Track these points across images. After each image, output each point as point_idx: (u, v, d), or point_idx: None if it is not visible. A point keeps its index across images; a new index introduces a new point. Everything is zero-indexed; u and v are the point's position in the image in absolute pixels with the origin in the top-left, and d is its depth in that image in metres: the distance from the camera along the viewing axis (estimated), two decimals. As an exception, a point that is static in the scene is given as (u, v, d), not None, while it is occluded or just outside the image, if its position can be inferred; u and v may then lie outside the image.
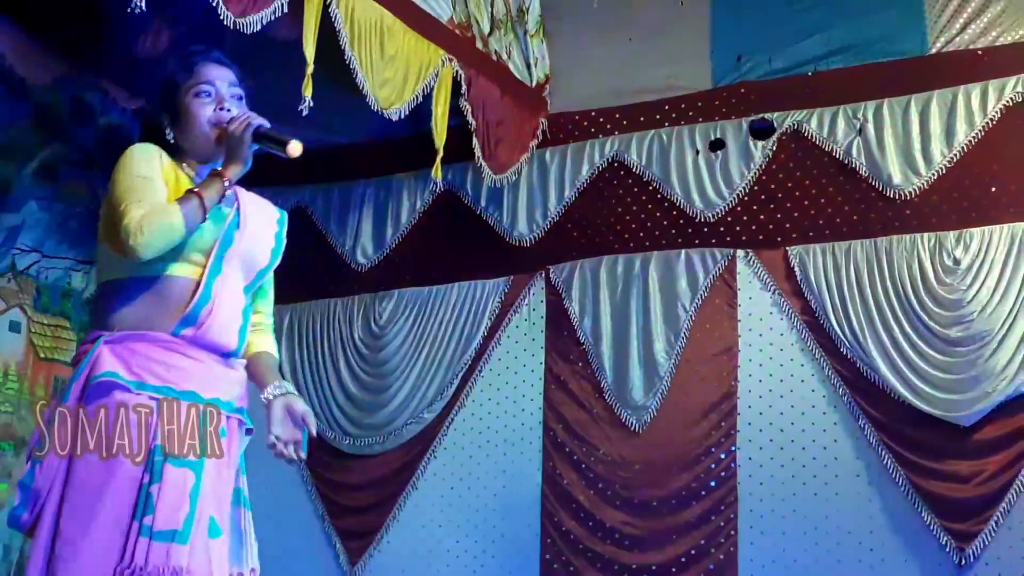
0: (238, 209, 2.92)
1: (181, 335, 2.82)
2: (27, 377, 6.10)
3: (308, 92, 4.42)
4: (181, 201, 2.73)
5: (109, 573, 2.65)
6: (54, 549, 2.73)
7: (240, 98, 2.94)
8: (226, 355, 2.91)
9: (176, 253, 2.80)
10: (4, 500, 6.00)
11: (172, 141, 2.91)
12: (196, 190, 2.75)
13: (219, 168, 2.83)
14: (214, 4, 4.18)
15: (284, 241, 3.12)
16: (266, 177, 5.83)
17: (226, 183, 2.78)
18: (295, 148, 2.90)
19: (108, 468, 2.74)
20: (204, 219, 2.76)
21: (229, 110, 2.87)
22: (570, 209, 6.04)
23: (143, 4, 3.88)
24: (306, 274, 6.48)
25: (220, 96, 2.91)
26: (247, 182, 2.93)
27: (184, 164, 2.90)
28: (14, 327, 6.07)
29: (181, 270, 2.83)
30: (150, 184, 2.78)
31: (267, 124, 2.83)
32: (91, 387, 2.77)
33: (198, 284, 2.83)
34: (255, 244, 2.95)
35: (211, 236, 2.82)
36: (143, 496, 2.71)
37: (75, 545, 2.72)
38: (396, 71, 4.99)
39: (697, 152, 5.85)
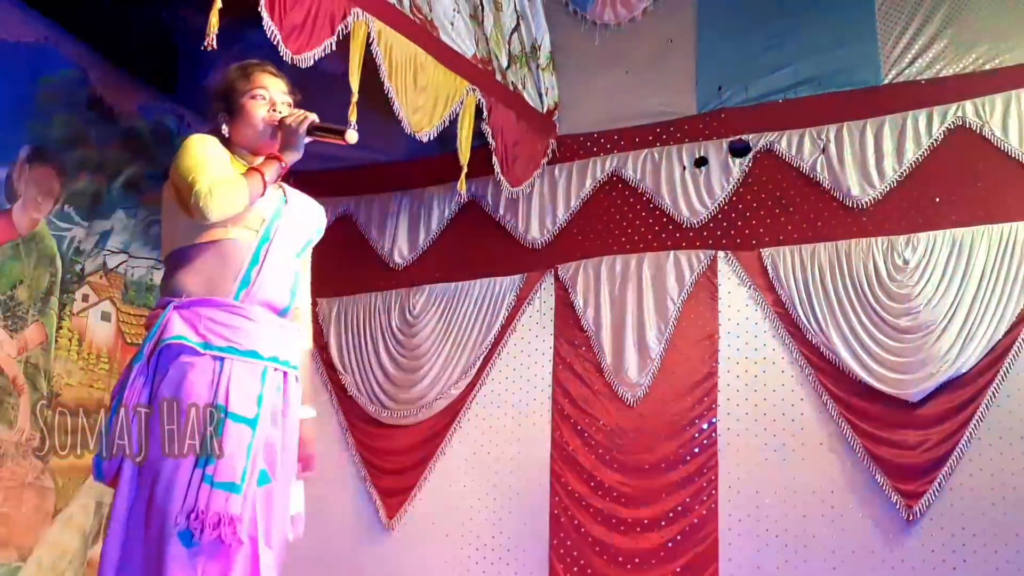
0: (285, 192, 3.07)
1: (240, 298, 2.88)
2: (116, 359, 6.08)
3: (353, 117, 4.42)
4: (246, 175, 2.86)
5: (180, 517, 2.67)
6: (132, 475, 2.77)
7: (290, 105, 3.06)
8: (280, 313, 2.96)
9: (235, 220, 2.88)
10: None
11: (227, 136, 3.02)
12: (258, 168, 2.88)
13: (276, 153, 2.94)
14: (275, 43, 4.20)
15: (324, 220, 3.26)
16: (317, 189, 5.79)
17: (282, 165, 2.90)
18: (352, 135, 3.03)
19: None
20: (263, 194, 2.86)
21: (280, 112, 3.00)
22: (575, 217, 6.06)
23: (214, 43, 3.86)
24: (351, 272, 6.64)
25: (273, 100, 3.03)
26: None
27: (234, 156, 3.00)
28: (105, 317, 6.07)
29: (238, 234, 2.89)
30: (216, 160, 2.89)
31: (318, 119, 2.97)
32: (161, 348, 2.81)
33: (253, 250, 2.93)
34: (300, 217, 3.06)
35: (263, 208, 2.92)
36: (205, 445, 2.76)
37: (152, 493, 2.73)
38: (427, 99, 5.02)
39: (684, 168, 5.85)
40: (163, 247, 3.04)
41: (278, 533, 2.87)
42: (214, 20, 3.85)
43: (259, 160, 2.98)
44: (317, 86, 5.01)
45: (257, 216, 2.89)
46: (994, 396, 4.95)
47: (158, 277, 6.28)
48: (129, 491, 2.75)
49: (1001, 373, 4.95)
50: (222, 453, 2.73)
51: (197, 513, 2.66)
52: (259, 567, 2.74)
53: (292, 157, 2.94)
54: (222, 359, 2.81)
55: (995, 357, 4.98)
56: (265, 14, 4.07)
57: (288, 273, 3.00)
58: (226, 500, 2.70)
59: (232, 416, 2.77)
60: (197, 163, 2.87)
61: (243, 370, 2.82)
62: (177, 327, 2.82)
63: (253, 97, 3.03)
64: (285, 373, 2.90)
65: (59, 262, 5.77)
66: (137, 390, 2.80)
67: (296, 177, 6.78)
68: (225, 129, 3.06)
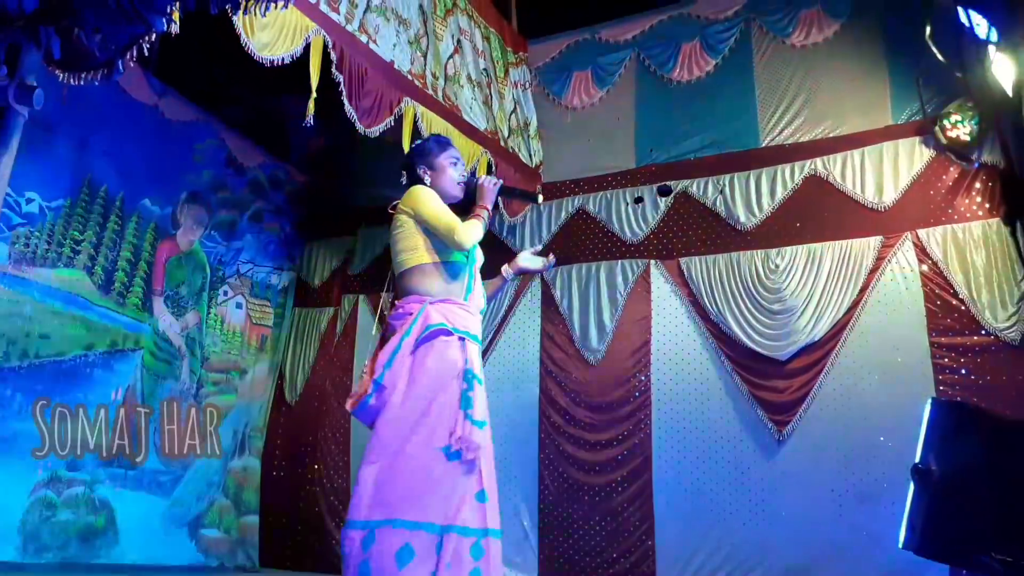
0: None
1: (467, 300, 3.02)
2: (246, 334, 6.35)
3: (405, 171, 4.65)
4: (477, 218, 2.99)
5: (444, 439, 2.75)
6: (411, 413, 2.79)
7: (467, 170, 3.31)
8: (480, 310, 3.12)
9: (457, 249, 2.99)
10: (232, 405, 6.19)
11: (427, 184, 3.09)
12: (479, 215, 3.00)
13: (481, 205, 3.03)
14: (352, 121, 4.37)
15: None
16: (376, 219, 6.12)
17: (487, 214, 3.03)
18: (540, 198, 3.42)
19: (441, 379, 2.83)
20: (483, 234, 3.01)
21: (464, 173, 3.15)
22: (554, 237, 6.09)
23: (311, 121, 3.96)
24: None
25: (461, 164, 3.20)
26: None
27: None
28: (239, 306, 6.32)
29: (458, 258, 3.00)
30: (447, 208, 3.02)
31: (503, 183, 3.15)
32: (428, 332, 2.86)
33: (466, 267, 3.04)
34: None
35: None
36: (464, 396, 2.83)
37: (417, 422, 2.76)
38: None
39: (627, 204, 5.95)
40: (402, 261, 3.00)
41: (487, 459, 2.89)
42: (311, 107, 3.93)
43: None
44: (379, 151, 5.32)
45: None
46: (836, 356, 5.06)
47: (275, 279, 6.54)
48: (396, 422, 2.76)
49: (841, 341, 5.07)
50: (476, 401, 2.84)
51: (462, 438, 2.75)
52: (483, 478, 2.83)
53: (490, 207, 3.03)
54: (463, 339, 2.90)
55: (837, 330, 5.10)
56: (346, 102, 4.22)
57: (479, 282, 3.14)
58: (477, 432, 2.81)
59: (476, 377, 2.89)
60: (443, 211, 2.98)
61: (473, 347, 2.94)
62: (435, 317, 2.88)
63: (451, 161, 3.14)
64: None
65: (208, 269, 6.06)
66: (405, 356, 2.83)
67: (364, 209, 6.75)
68: (428, 179, 3.09)
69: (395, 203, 3.12)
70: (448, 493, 2.72)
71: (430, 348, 2.86)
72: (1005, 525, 1.46)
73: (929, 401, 1.63)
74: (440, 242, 2.97)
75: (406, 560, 2.60)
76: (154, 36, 2.09)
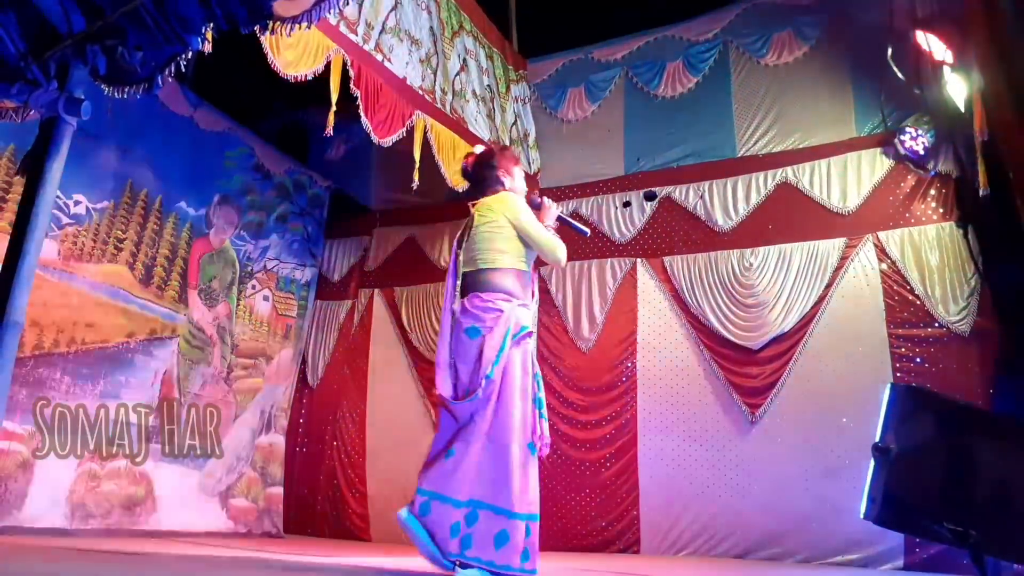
0: None
1: (532, 303, 2.99)
2: (272, 324, 6.34)
3: (416, 177, 4.63)
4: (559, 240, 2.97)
5: (528, 436, 2.70)
6: (513, 410, 2.70)
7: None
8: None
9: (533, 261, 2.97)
10: (260, 387, 6.18)
11: (506, 186, 3.01)
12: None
13: (547, 225, 2.97)
14: (368, 133, 4.38)
15: None
16: (400, 218, 6.12)
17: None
18: (587, 231, 3.25)
19: (525, 379, 2.78)
20: None
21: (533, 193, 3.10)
22: None
23: (331, 131, 3.97)
24: (412, 273, 6.48)
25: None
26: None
27: None
28: (265, 298, 6.31)
29: (529, 267, 2.96)
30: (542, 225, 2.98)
31: (561, 213, 3.09)
32: (523, 332, 2.81)
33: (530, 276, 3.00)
34: None
35: None
36: (537, 399, 2.80)
37: (514, 417, 2.69)
38: (459, 165, 4.99)
39: (617, 207, 5.96)
40: (493, 259, 2.86)
41: None
42: (331, 118, 3.95)
43: None
44: (392, 160, 5.32)
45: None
46: (803, 347, 5.08)
47: (299, 274, 6.51)
48: (501, 415, 2.67)
49: (807, 333, 5.09)
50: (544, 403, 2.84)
51: (541, 435, 2.74)
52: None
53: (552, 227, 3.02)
54: (530, 335, 2.87)
55: (804, 323, 5.12)
56: (363, 114, 4.22)
57: None
58: (546, 428, 2.80)
59: (539, 378, 2.88)
60: (544, 228, 2.92)
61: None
62: (525, 318, 2.85)
63: (522, 173, 3.14)
64: None
65: (237, 265, 6.03)
66: (508, 352, 2.73)
67: (379, 211, 6.82)
68: (508, 182, 2.99)
69: (475, 201, 3.03)
70: (535, 486, 2.72)
71: (521, 348, 2.81)
72: (954, 497, 1.47)
73: (888, 386, 1.63)
74: (530, 252, 2.93)
75: (502, 543, 2.60)
76: (190, 54, 2.09)
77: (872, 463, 1.53)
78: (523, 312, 2.88)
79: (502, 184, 3.03)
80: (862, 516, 1.50)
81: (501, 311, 2.79)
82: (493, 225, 2.90)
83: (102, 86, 2.26)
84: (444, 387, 2.82)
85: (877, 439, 1.50)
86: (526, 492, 2.67)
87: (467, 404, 2.72)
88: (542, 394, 2.83)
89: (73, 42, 1.96)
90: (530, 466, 2.71)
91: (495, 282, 2.87)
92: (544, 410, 2.82)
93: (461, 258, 2.97)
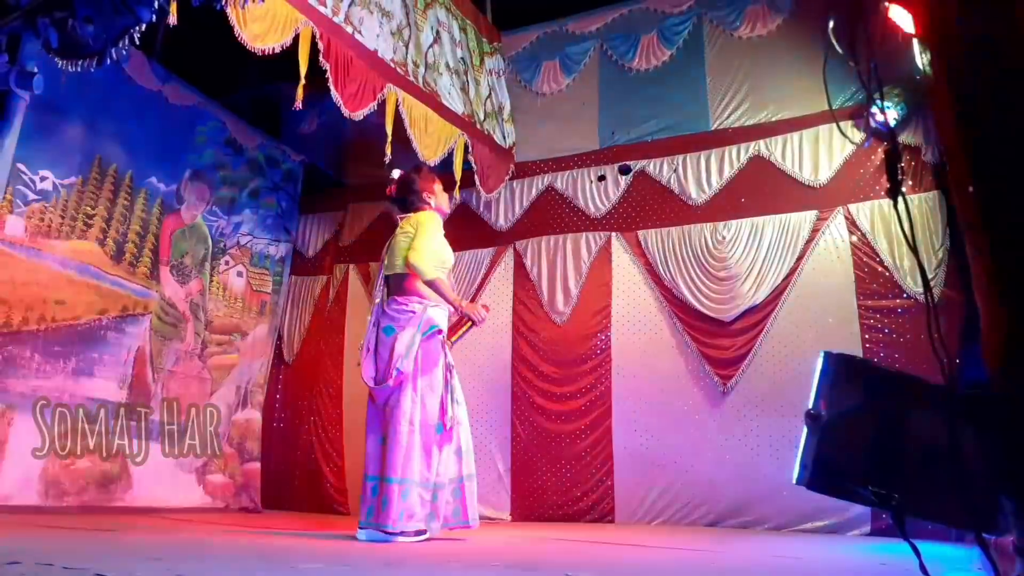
0: None
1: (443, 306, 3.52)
2: (246, 299, 6.27)
3: (388, 151, 4.56)
4: (447, 293, 3.55)
5: (436, 418, 3.31)
6: (416, 396, 3.26)
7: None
8: None
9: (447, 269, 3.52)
10: (235, 363, 6.12)
11: (432, 206, 3.69)
12: (450, 300, 3.58)
13: (456, 301, 3.57)
14: (339, 105, 4.33)
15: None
16: (369, 194, 6.01)
17: (451, 306, 3.65)
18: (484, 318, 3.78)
19: (436, 371, 3.32)
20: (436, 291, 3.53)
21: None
22: (526, 212, 6.09)
23: (300, 105, 3.95)
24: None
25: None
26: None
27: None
28: (239, 274, 6.24)
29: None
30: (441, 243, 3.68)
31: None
32: (432, 331, 3.35)
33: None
34: None
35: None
36: (448, 386, 3.37)
37: (425, 397, 3.27)
38: (433, 140, 5.06)
39: (591, 181, 5.92)
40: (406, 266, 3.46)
41: (464, 426, 3.53)
42: (300, 92, 3.91)
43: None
44: (364, 133, 5.29)
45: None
46: (775, 319, 5.10)
47: (273, 249, 6.45)
48: (408, 399, 3.26)
49: (779, 305, 5.11)
50: (457, 389, 3.41)
51: (449, 416, 3.30)
52: (460, 439, 3.41)
53: (455, 306, 3.52)
54: (440, 332, 3.41)
55: (775, 295, 5.13)
56: (332, 88, 4.18)
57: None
58: (460, 411, 3.39)
59: (454, 368, 3.47)
60: (432, 242, 3.41)
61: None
62: (437, 318, 3.37)
63: (445, 190, 3.78)
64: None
65: (210, 241, 5.96)
66: (415, 348, 3.29)
67: (353, 185, 6.77)
68: (432, 201, 3.60)
69: (404, 216, 3.54)
70: (438, 457, 3.28)
71: (431, 344, 3.31)
72: (881, 462, 1.50)
73: (821, 354, 1.64)
74: (447, 260, 3.50)
75: (420, 506, 3.22)
76: (143, 26, 2.04)
77: (805, 429, 1.55)
78: (436, 312, 3.36)
79: (427, 203, 3.52)
80: (795, 482, 1.51)
81: (414, 312, 3.30)
82: (407, 237, 3.41)
83: (56, 59, 2.20)
84: (367, 372, 3.32)
85: (810, 406, 1.52)
86: (434, 464, 3.25)
87: (382, 390, 3.25)
88: (456, 381, 3.37)
89: (22, 14, 1.90)
90: (439, 443, 3.26)
91: (410, 287, 3.38)
92: (459, 394, 3.36)
93: (385, 262, 3.50)
